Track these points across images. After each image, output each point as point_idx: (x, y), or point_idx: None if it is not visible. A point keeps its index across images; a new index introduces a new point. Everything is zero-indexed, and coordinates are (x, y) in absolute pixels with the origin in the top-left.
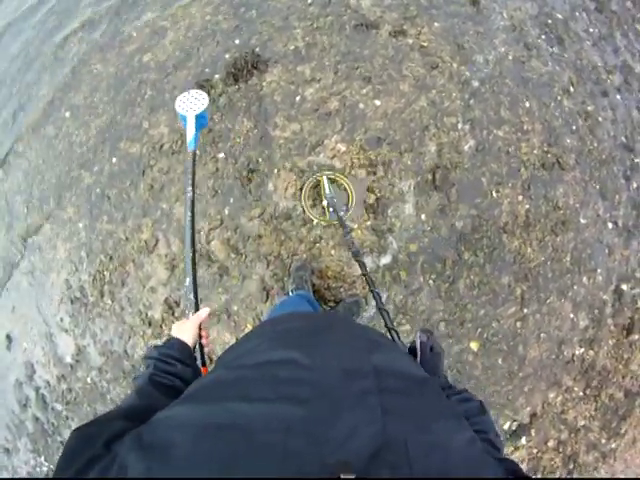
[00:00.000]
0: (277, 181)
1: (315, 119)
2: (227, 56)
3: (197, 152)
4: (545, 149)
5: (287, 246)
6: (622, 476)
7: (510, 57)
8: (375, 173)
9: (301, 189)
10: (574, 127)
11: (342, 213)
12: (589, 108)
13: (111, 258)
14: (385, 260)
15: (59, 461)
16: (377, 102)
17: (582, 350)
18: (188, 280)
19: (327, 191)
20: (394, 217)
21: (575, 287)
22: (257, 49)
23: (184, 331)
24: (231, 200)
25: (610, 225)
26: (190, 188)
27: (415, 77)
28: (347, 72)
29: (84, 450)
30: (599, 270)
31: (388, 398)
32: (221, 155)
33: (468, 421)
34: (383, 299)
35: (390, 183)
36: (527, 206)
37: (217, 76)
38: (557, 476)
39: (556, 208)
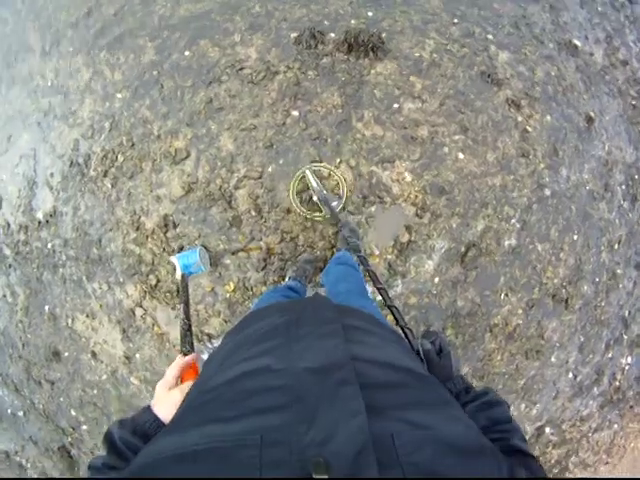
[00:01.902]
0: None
1: (400, 135)
2: (353, 22)
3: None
4: (564, 284)
5: (308, 235)
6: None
7: (588, 187)
8: (421, 217)
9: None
10: (597, 279)
11: (335, 204)
12: (618, 271)
13: (133, 145)
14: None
15: None
16: (461, 155)
17: None
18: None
19: (314, 185)
20: (413, 265)
21: (511, 408)
22: (384, 34)
23: (164, 401)
24: (281, 161)
25: (570, 375)
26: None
27: (504, 154)
28: (451, 111)
29: None
30: (538, 405)
31: (370, 390)
32: (295, 113)
33: (492, 428)
34: None
35: (428, 234)
36: (520, 321)
37: (332, 35)
38: None
39: (540, 336)
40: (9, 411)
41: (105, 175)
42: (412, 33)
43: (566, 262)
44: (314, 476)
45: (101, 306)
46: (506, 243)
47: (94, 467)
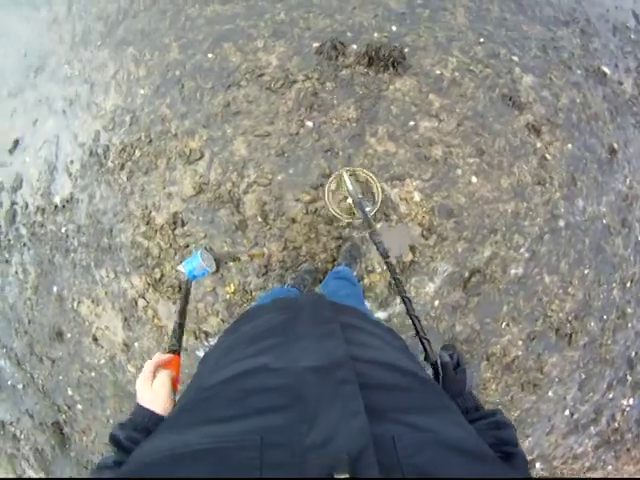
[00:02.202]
0: (342, 184)
1: (413, 154)
2: (376, 35)
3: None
4: (569, 318)
5: (310, 245)
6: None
7: (604, 221)
8: (427, 239)
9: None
10: (605, 317)
11: (369, 209)
12: (628, 310)
13: (150, 141)
14: (381, 314)
15: None
16: (474, 179)
17: None
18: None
19: (349, 187)
20: (414, 286)
21: None
22: (406, 50)
23: (155, 396)
24: (291, 171)
25: (567, 412)
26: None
27: (519, 181)
28: (468, 132)
29: None
30: (530, 438)
31: (370, 390)
32: (309, 124)
33: (497, 447)
34: None
35: (432, 257)
36: (520, 353)
37: (354, 47)
38: None
39: (539, 370)
40: (9, 383)
41: (122, 168)
42: (435, 50)
43: (574, 296)
44: (335, 475)
45: (106, 293)
46: (512, 272)
47: (104, 466)
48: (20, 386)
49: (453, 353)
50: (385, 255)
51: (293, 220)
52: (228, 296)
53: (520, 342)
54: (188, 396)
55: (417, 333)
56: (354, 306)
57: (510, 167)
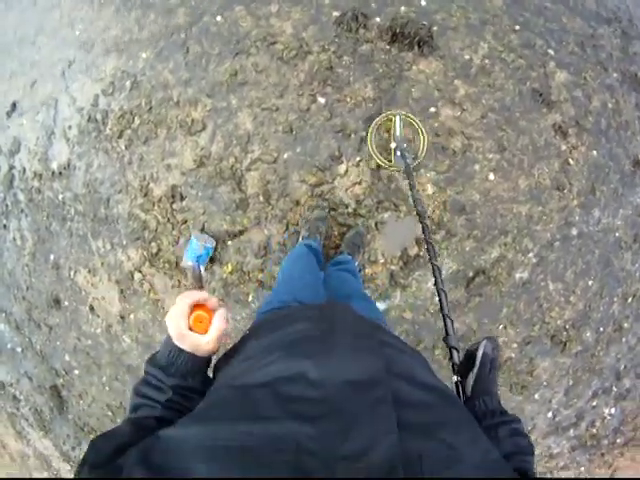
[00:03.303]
0: (352, 169)
1: (430, 143)
2: (403, 9)
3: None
4: (567, 327)
5: None
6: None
7: (617, 234)
8: (435, 234)
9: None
10: (601, 329)
11: (409, 161)
12: (625, 325)
13: (150, 109)
14: (380, 306)
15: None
16: (491, 176)
17: None
18: None
19: (397, 132)
20: (415, 280)
21: None
22: (435, 28)
23: (186, 339)
24: (298, 149)
25: (550, 414)
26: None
27: (538, 183)
28: (492, 126)
29: (88, 460)
30: None
31: (402, 408)
32: (321, 100)
33: (516, 456)
34: None
35: (438, 252)
36: (513, 355)
37: (378, 20)
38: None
39: (529, 373)
40: (9, 346)
41: (120, 136)
42: (466, 32)
43: (574, 306)
44: None
45: (103, 264)
46: (517, 276)
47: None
48: (19, 349)
49: (495, 348)
50: (423, 215)
51: (297, 202)
52: (225, 275)
53: (515, 345)
54: (219, 393)
55: (441, 309)
56: (381, 324)
57: (530, 168)
